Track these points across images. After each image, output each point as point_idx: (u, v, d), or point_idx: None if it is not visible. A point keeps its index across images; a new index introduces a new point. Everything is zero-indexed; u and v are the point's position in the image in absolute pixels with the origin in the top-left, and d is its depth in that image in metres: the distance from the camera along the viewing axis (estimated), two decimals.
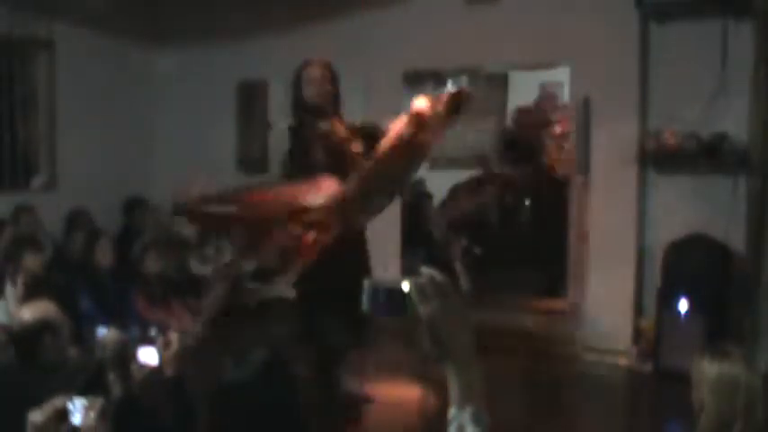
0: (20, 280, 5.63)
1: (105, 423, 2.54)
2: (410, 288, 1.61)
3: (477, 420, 1.58)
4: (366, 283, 1.65)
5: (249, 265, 7.33)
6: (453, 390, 1.61)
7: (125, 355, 3.96)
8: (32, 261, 5.99)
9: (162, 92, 9.01)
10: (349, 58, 7.56)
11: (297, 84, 5.19)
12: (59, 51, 8.08)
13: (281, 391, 2.69)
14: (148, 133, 9.01)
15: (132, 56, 8.82)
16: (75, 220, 7.76)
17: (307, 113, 5.16)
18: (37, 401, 2.61)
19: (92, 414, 2.53)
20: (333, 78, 5.21)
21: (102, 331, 3.80)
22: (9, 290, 5.56)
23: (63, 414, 2.54)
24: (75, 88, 8.12)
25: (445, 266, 8.46)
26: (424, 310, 1.60)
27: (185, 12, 8.64)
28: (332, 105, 5.15)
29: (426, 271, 1.64)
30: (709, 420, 2.71)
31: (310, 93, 5.12)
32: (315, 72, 5.15)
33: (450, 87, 4.51)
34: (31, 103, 8.16)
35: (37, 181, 8.26)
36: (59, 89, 8.14)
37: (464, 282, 1.75)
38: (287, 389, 2.73)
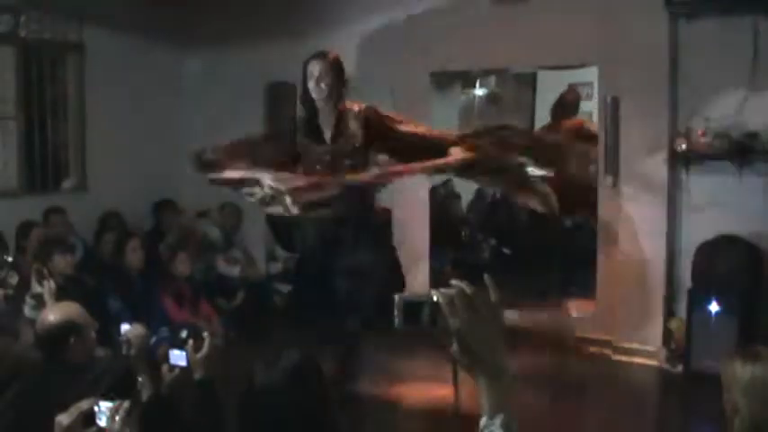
0: (52, 280, 5.67)
1: (131, 425, 2.55)
2: (439, 301, 1.60)
3: (507, 430, 1.57)
4: (396, 297, 1.64)
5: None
6: (484, 399, 1.61)
7: (151, 351, 3.98)
8: (62, 262, 6.05)
9: (191, 94, 9.04)
10: (376, 59, 7.56)
11: (303, 78, 5.52)
12: (89, 54, 8.15)
13: (312, 395, 2.68)
14: (177, 135, 9.04)
15: (161, 58, 8.86)
16: (107, 221, 7.83)
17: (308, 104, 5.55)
18: (64, 404, 2.62)
19: (118, 416, 2.53)
20: (334, 72, 5.44)
21: (125, 327, 3.79)
22: (38, 288, 5.59)
23: (89, 417, 2.55)
24: (104, 90, 8.17)
25: (474, 267, 8.42)
26: (453, 322, 1.59)
27: (214, 14, 8.67)
28: (332, 98, 5.45)
29: (456, 283, 1.63)
30: (743, 423, 2.68)
31: (310, 87, 5.44)
32: (313, 67, 5.43)
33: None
34: (61, 105, 8.23)
35: (67, 183, 8.33)
36: (89, 92, 8.21)
37: (493, 292, 1.75)
38: (318, 393, 2.72)
